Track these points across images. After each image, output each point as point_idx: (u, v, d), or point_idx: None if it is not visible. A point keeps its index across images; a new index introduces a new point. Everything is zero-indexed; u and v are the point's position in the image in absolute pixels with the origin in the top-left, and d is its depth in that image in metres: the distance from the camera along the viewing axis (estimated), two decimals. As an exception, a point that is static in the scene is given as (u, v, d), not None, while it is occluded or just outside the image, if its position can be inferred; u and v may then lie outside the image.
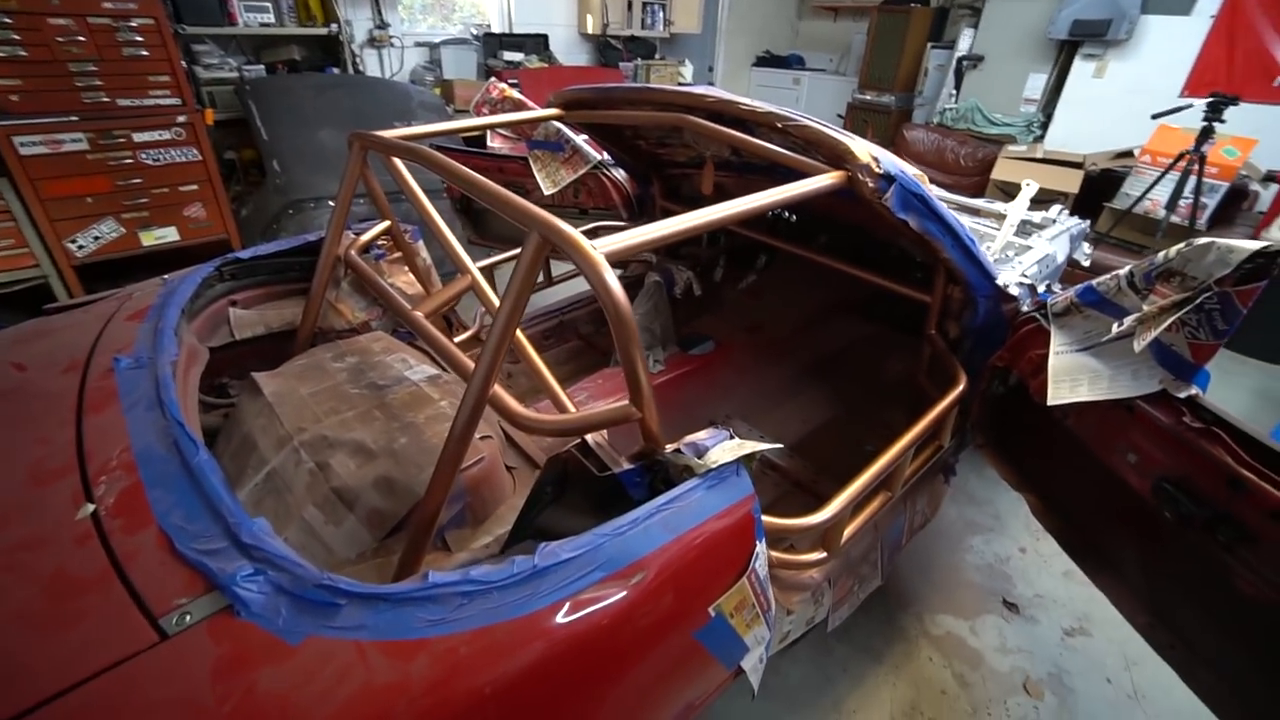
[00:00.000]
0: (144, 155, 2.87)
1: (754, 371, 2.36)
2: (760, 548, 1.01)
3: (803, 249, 2.15)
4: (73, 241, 2.83)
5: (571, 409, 1.39)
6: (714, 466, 0.97)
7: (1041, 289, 1.82)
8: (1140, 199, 3.77)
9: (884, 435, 2.34)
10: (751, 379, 2.34)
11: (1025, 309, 1.70)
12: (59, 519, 0.85)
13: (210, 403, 1.63)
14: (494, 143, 3.43)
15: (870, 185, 1.31)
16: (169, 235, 3.08)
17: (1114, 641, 1.82)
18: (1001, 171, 4.57)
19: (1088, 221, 2.63)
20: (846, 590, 1.63)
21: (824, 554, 1.42)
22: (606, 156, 2.67)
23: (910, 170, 1.38)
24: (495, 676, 0.73)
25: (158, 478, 0.92)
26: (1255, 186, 3.86)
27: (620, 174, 2.82)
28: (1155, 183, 3.67)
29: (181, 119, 2.93)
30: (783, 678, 1.64)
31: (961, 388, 1.62)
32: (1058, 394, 1.39)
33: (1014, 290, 1.71)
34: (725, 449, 1.00)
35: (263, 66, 3.70)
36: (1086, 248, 2.61)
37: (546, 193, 2.86)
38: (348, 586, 0.75)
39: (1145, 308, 1.13)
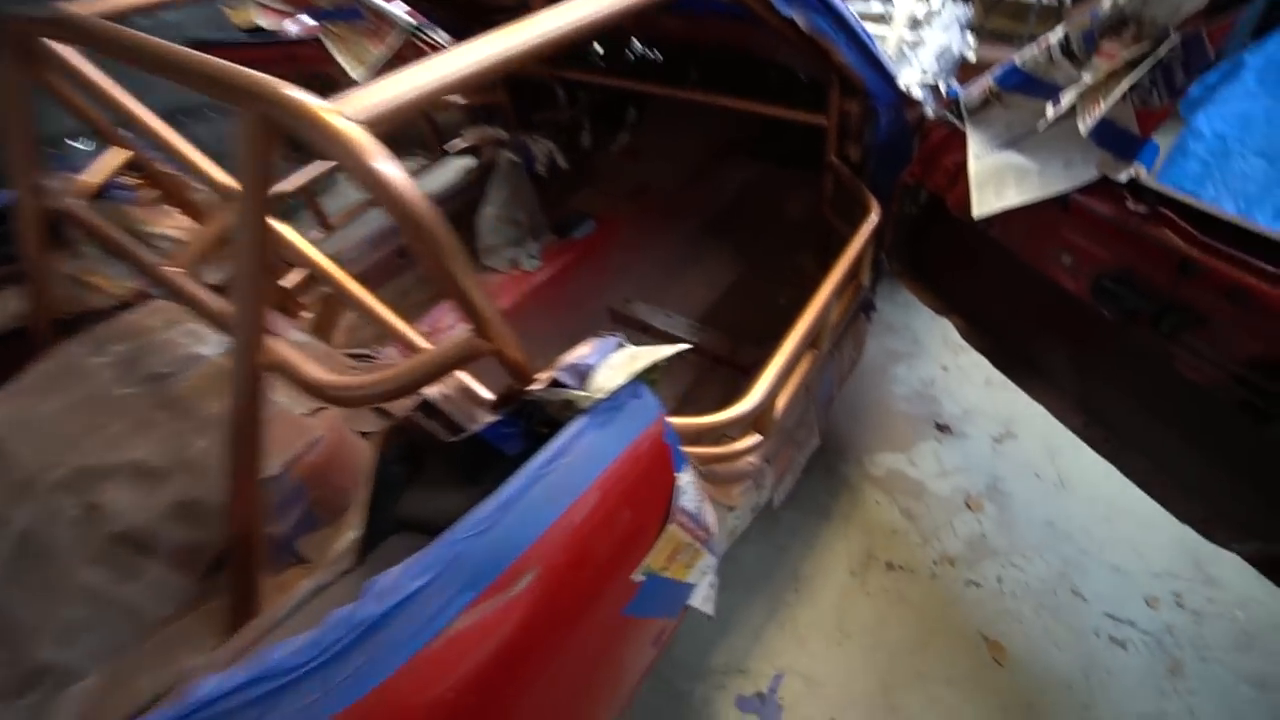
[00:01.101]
0: None
1: (646, 244, 2.08)
2: (683, 478, 0.80)
3: (673, 90, 1.80)
4: None
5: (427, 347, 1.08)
6: (606, 395, 0.72)
7: (944, 87, 1.60)
8: (1010, -25, 3.55)
9: (797, 283, 2.18)
10: (645, 253, 2.06)
11: (931, 113, 1.49)
12: None
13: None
14: (260, 20, 2.63)
15: (743, -31, 0.97)
16: None
17: (1037, 436, 1.87)
18: (870, -33, 4.17)
19: (970, 9, 2.38)
20: (787, 462, 1.51)
21: (759, 438, 1.26)
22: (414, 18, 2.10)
23: (787, -56, 1.05)
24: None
25: None
26: (1115, -58, 3.72)
27: (443, 37, 2.26)
28: (1024, -46, 3.44)
29: None
30: (734, 561, 1.56)
31: (875, 217, 1.43)
32: (983, 203, 1.22)
33: (917, 93, 1.49)
34: (615, 366, 0.75)
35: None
36: (970, 38, 2.38)
37: (357, 78, 2.26)
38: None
39: (1086, 77, 0.92)
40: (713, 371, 1.81)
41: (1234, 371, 0.95)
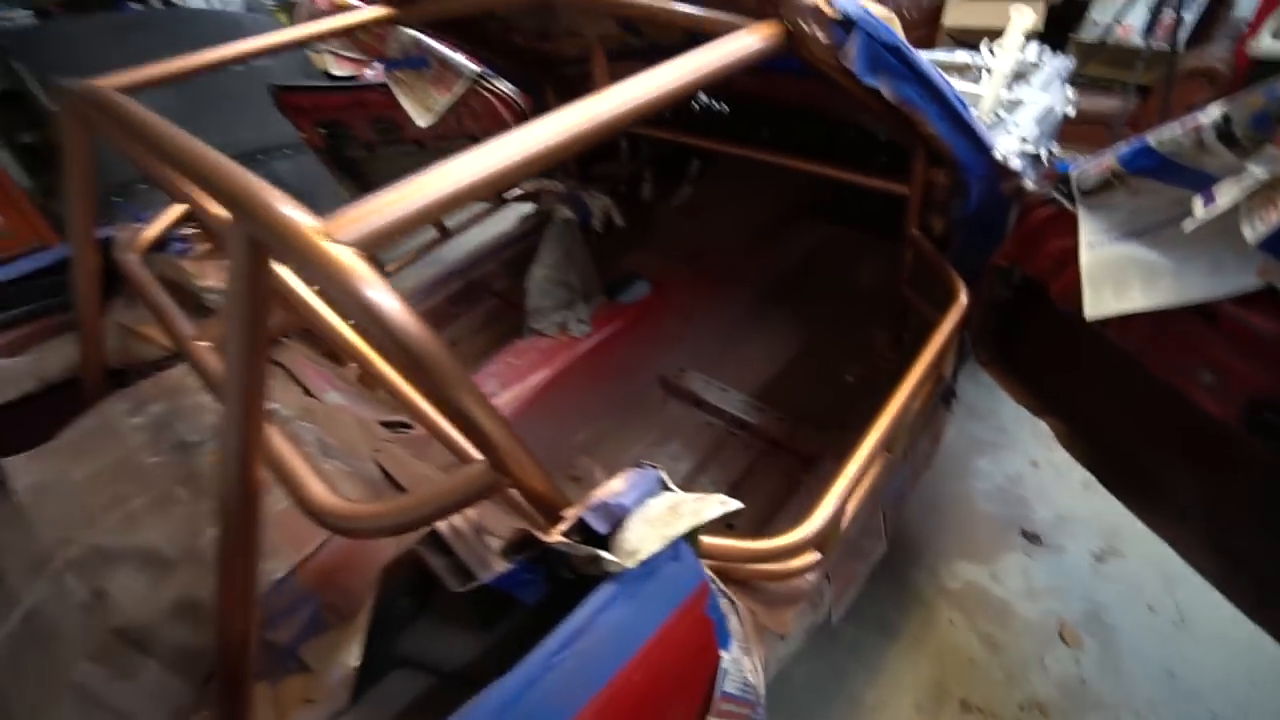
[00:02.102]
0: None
1: (703, 310, 1.96)
2: (728, 657, 0.66)
3: (741, 148, 1.70)
4: None
5: (465, 445, 0.99)
6: (641, 560, 0.60)
7: (1045, 154, 1.43)
8: (1112, 26, 3.31)
9: (865, 361, 2.02)
10: (701, 320, 1.94)
11: (1031, 185, 1.32)
12: None
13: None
14: (336, 69, 2.76)
15: (821, 39, 0.86)
16: (-46, 255, 2.43)
17: (1150, 559, 1.59)
18: (954, 17, 4.02)
19: (1071, 59, 2.19)
20: (850, 575, 1.33)
21: (818, 556, 1.10)
22: (478, 67, 2.11)
23: (876, 9, 0.93)
24: None
25: None
26: (1234, -11, 3.42)
27: (507, 86, 2.27)
28: (1127, 3, 3.20)
29: (-81, 98, 2.22)
30: (786, 682, 1.37)
31: (963, 305, 1.26)
32: (1099, 304, 1.04)
33: (1015, 163, 1.32)
34: (651, 521, 0.62)
35: (29, 12, 2.86)
36: (1070, 92, 2.18)
37: (422, 124, 2.30)
38: None
39: (1256, 170, 0.74)
40: (769, 457, 1.65)
41: None
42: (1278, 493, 0.99)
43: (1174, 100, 3.12)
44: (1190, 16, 3.22)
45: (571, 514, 0.66)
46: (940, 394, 1.50)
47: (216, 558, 0.71)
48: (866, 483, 1.20)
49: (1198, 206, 0.82)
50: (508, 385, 1.59)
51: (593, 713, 0.54)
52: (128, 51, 2.84)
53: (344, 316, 0.93)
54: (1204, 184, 0.83)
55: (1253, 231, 0.74)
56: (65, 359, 1.30)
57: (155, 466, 1.07)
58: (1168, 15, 3.08)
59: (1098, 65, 3.45)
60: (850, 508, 1.14)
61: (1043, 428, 1.90)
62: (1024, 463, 1.88)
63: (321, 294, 1.07)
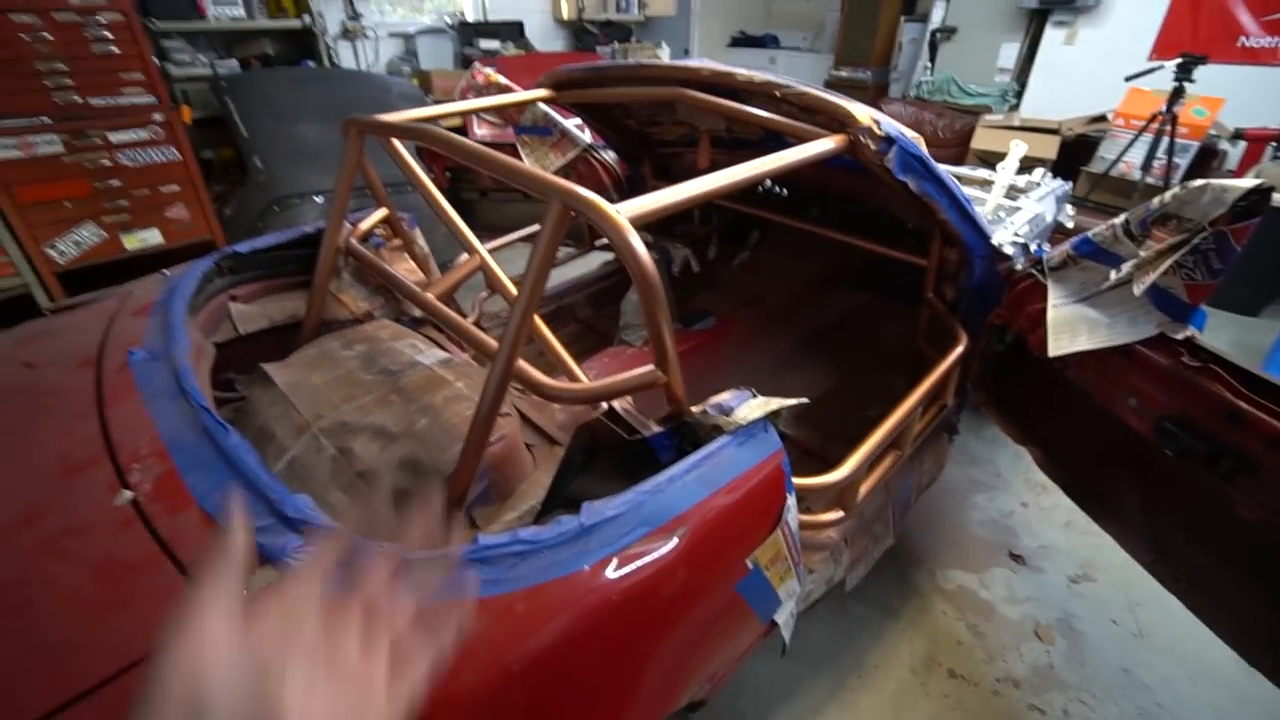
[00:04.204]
0: (122, 156, 2.80)
1: (755, 344, 2.39)
2: (790, 500, 1.04)
3: (796, 221, 2.17)
4: (53, 247, 2.75)
5: (587, 382, 1.41)
6: (743, 423, 1.00)
7: (1033, 247, 1.87)
8: (1115, 162, 3.85)
9: (885, 401, 2.39)
10: (753, 352, 2.36)
11: (1020, 267, 1.75)
12: (97, 506, 0.85)
13: (218, 397, 1.61)
14: (479, 130, 3.41)
15: (872, 148, 1.33)
16: (152, 238, 3.01)
17: (1117, 586, 1.89)
18: (980, 140, 4.63)
19: (1070, 183, 2.69)
20: (862, 549, 1.67)
21: (841, 513, 1.45)
22: (595, 139, 2.67)
23: (908, 133, 1.41)
24: (549, 633, 0.74)
25: (192, 463, 0.92)
26: (1224, 145, 3.97)
27: (610, 156, 2.82)
28: (1129, 145, 3.76)
29: (158, 117, 2.86)
30: (804, 638, 1.68)
31: (963, 346, 1.66)
32: (1058, 345, 1.43)
33: (1008, 249, 1.75)
34: (751, 407, 1.03)
35: (235, 61, 3.61)
36: (1069, 210, 2.67)
37: (537, 178, 2.85)
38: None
39: (1142, 253, 1.17)
40: (802, 461, 2.01)
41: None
42: (1184, 492, 1.34)
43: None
44: (1183, 162, 3.75)
45: (698, 409, 1.06)
46: (943, 422, 1.87)
47: (473, 421, 1.09)
48: (881, 468, 1.57)
49: (1112, 274, 1.24)
50: (603, 376, 2.01)
51: (716, 497, 0.92)
52: (302, 95, 3.55)
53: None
54: (1118, 262, 1.25)
55: (1138, 288, 1.16)
56: (284, 309, 1.76)
57: (371, 381, 1.47)
58: (1163, 158, 3.61)
59: (1102, 193, 3.97)
60: (867, 483, 1.51)
61: (1033, 477, 2.25)
62: (1015, 503, 2.20)
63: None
